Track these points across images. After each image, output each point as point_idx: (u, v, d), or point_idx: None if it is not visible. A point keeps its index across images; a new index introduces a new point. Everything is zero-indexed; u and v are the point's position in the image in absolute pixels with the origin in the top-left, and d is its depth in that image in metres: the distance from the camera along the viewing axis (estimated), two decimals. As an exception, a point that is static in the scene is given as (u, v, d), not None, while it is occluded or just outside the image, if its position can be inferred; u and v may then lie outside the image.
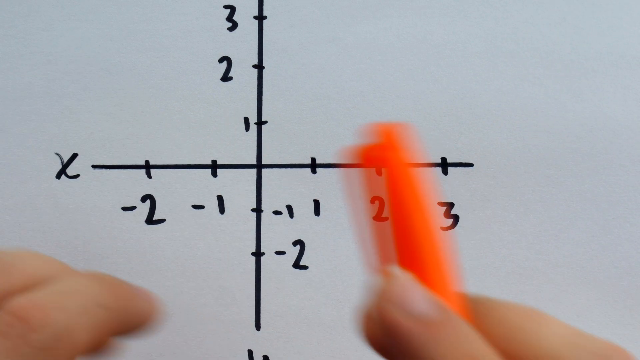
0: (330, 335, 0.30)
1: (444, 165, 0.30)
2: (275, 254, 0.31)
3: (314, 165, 0.31)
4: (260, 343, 0.31)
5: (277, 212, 0.31)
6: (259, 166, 0.31)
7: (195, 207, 0.31)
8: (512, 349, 0.16)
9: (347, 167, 0.20)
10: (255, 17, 0.31)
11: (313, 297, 0.30)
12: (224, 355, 0.31)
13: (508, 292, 0.30)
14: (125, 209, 0.31)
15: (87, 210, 0.31)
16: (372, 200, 0.19)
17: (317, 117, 0.31)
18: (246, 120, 0.31)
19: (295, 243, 0.31)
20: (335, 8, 0.31)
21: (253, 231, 0.31)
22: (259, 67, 0.31)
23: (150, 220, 0.31)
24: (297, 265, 0.30)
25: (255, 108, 0.31)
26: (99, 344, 0.19)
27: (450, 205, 0.30)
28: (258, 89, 0.31)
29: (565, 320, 0.18)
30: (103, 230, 0.31)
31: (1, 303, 0.16)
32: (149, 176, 0.31)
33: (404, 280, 0.17)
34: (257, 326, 0.30)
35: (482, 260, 0.30)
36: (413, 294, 0.16)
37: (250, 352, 0.30)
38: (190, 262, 0.31)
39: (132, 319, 0.20)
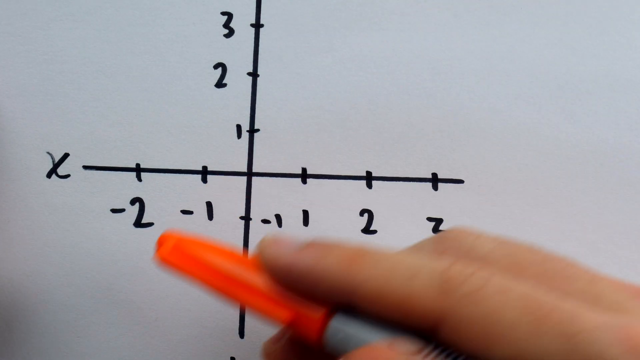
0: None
1: (435, 180, 0.30)
2: (261, 263, 0.31)
3: (304, 176, 0.31)
4: (243, 351, 0.30)
5: (265, 221, 0.31)
6: (250, 174, 0.31)
7: (184, 212, 0.31)
8: None
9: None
10: (251, 25, 0.31)
11: (298, 307, 0.30)
12: (207, 362, 0.31)
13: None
14: (114, 210, 0.31)
15: (77, 210, 0.31)
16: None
17: (309, 127, 0.31)
18: (238, 127, 0.31)
19: (282, 252, 0.31)
20: (332, 19, 0.31)
21: (241, 239, 0.31)
22: (254, 74, 0.31)
23: (138, 223, 0.31)
24: (283, 274, 0.30)
25: (248, 116, 0.31)
26: None
27: (439, 221, 0.30)
28: (252, 96, 0.31)
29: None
30: (91, 231, 0.31)
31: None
32: (139, 179, 0.31)
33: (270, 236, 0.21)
34: (241, 334, 0.30)
35: (468, 277, 0.30)
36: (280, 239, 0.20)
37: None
38: (177, 267, 0.31)
39: None
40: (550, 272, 0.18)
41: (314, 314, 0.20)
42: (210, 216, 0.31)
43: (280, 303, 0.20)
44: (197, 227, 0.31)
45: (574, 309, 0.16)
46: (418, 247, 0.20)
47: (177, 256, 0.21)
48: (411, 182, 0.31)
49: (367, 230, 0.30)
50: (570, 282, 0.17)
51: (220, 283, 0.21)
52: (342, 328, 0.19)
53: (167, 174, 0.31)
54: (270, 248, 0.20)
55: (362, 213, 0.31)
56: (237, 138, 0.31)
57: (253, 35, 0.31)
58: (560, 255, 0.19)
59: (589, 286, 0.17)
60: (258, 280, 0.21)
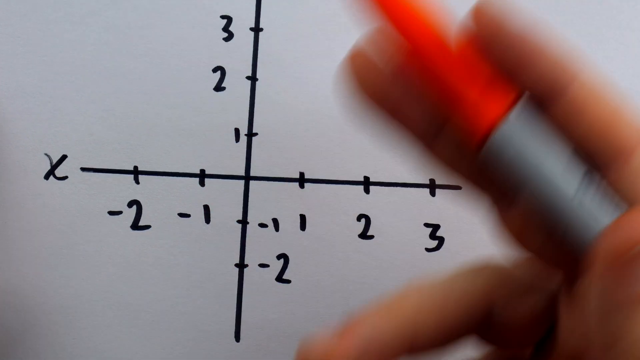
0: (310, 350, 0.30)
1: (432, 186, 0.30)
2: (258, 267, 0.31)
3: (302, 180, 0.31)
4: (239, 354, 0.31)
5: (262, 225, 0.31)
6: (247, 178, 0.31)
7: (181, 215, 0.31)
8: None
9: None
10: (251, 29, 0.31)
11: (294, 312, 0.30)
12: (202, 365, 0.31)
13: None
14: (111, 213, 0.31)
15: (74, 212, 0.31)
16: None
17: (307, 131, 0.31)
18: (237, 131, 0.31)
19: (279, 257, 0.31)
20: (332, 24, 0.31)
21: (238, 242, 0.31)
22: (253, 78, 0.31)
23: (135, 225, 0.31)
24: (279, 279, 0.30)
25: (247, 119, 0.31)
26: None
27: (437, 227, 0.30)
28: (250, 100, 0.31)
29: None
30: (89, 233, 0.31)
31: None
32: (137, 182, 0.31)
33: None
34: (237, 337, 0.30)
35: (465, 283, 0.30)
36: None
37: (228, 363, 0.31)
38: (173, 270, 0.31)
39: None
40: None
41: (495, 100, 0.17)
42: (207, 219, 0.31)
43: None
44: (193, 230, 0.31)
45: None
46: None
47: None
48: (409, 188, 0.31)
49: (364, 235, 0.30)
50: None
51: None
52: (522, 130, 0.16)
53: (164, 177, 0.31)
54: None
55: (359, 218, 0.31)
56: (235, 142, 0.31)
57: (252, 39, 0.31)
58: None
59: None
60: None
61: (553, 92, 0.17)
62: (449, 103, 0.17)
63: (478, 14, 0.17)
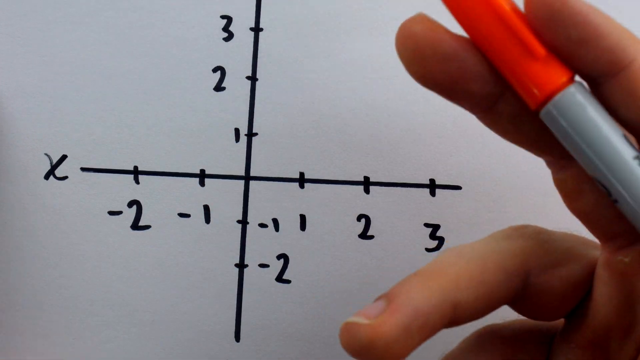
0: (309, 350, 0.30)
1: (432, 186, 0.30)
2: (258, 267, 0.31)
3: (302, 180, 0.31)
4: (239, 354, 0.31)
5: (262, 225, 0.31)
6: (247, 178, 0.31)
7: (181, 215, 0.31)
8: None
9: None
10: (251, 29, 0.31)
11: (294, 312, 0.30)
12: (202, 365, 0.31)
13: (491, 316, 0.30)
14: (111, 213, 0.31)
15: (74, 212, 0.31)
16: None
17: (307, 131, 0.31)
18: (237, 131, 0.31)
19: (279, 257, 0.31)
20: (332, 24, 0.31)
21: (238, 242, 0.31)
22: (253, 78, 0.31)
23: (135, 225, 0.31)
24: (279, 279, 0.30)
25: (247, 119, 0.31)
26: None
27: (437, 227, 0.30)
28: (250, 100, 0.31)
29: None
30: (89, 233, 0.31)
31: None
32: (137, 182, 0.31)
33: None
34: (237, 337, 0.30)
35: (465, 284, 0.30)
36: None
37: (228, 363, 0.31)
38: (173, 269, 0.31)
39: None
40: None
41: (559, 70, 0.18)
42: (207, 219, 0.31)
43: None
44: (193, 230, 0.31)
45: None
46: None
47: None
48: (409, 188, 0.31)
49: (364, 235, 0.30)
50: None
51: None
52: (579, 97, 0.17)
53: (164, 177, 0.31)
54: None
55: (359, 218, 0.31)
56: (235, 142, 0.31)
57: (252, 39, 0.31)
58: None
59: None
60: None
61: (612, 72, 0.17)
62: (511, 72, 0.18)
63: None
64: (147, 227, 0.31)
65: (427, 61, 0.18)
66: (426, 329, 0.18)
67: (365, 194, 0.31)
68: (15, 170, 0.31)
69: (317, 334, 0.30)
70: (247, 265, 0.31)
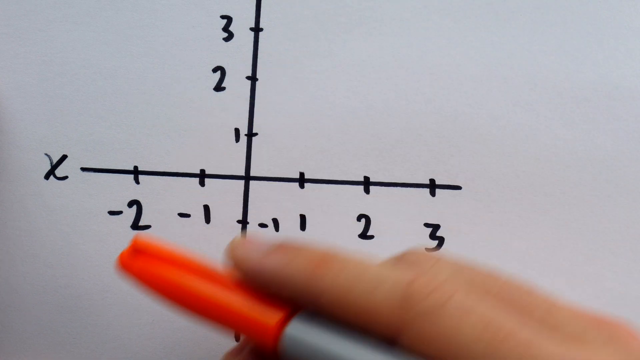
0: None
1: (432, 186, 0.30)
2: (258, 267, 0.30)
3: (302, 180, 0.31)
4: (239, 354, 0.30)
5: (262, 225, 0.31)
6: (247, 178, 0.31)
7: (182, 215, 0.31)
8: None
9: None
10: (251, 29, 0.31)
11: (294, 312, 0.30)
12: (202, 365, 0.31)
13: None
14: (111, 213, 0.31)
15: (74, 212, 0.31)
16: None
17: (307, 131, 0.31)
18: (237, 131, 0.31)
19: (279, 256, 0.30)
20: (332, 24, 0.31)
21: (238, 242, 0.31)
22: (253, 78, 0.31)
23: (136, 225, 0.31)
24: (279, 278, 0.30)
25: (247, 119, 0.31)
26: None
27: (437, 227, 0.30)
28: (250, 100, 0.31)
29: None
30: (89, 233, 0.31)
31: None
32: (137, 182, 0.31)
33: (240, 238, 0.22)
34: (237, 337, 0.30)
35: (465, 283, 0.30)
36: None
37: (228, 363, 0.30)
38: (173, 270, 0.31)
39: None
40: (508, 298, 0.18)
41: (270, 320, 0.19)
42: (207, 219, 0.31)
43: (237, 313, 0.20)
44: (194, 230, 0.31)
45: (531, 336, 0.16)
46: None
47: (140, 264, 0.21)
48: (409, 188, 0.31)
49: (364, 235, 0.30)
50: (530, 310, 0.18)
51: (179, 296, 0.21)
52: (299, 335, 0.19)
53: (164, 177, 0.31)
54: (240, 249, 0.21)
55: (359, 218, 0.31)
56: (235, 142, 0.31)
57: (252, 39, 0.31)
58: (520, 281, 0.19)
59: (547, 315, 0.17)
60: (222, 293, 0.20)
61: (312, 302, 0.19)
62: (240, 329, 0.20)
63: (228, 254, 0.21)
64: (147, 227, 0.31)
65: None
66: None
67: (365, 193, 0.31)
68: (15, 170, 0.31)
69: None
70: (247, 265, 0.31)
